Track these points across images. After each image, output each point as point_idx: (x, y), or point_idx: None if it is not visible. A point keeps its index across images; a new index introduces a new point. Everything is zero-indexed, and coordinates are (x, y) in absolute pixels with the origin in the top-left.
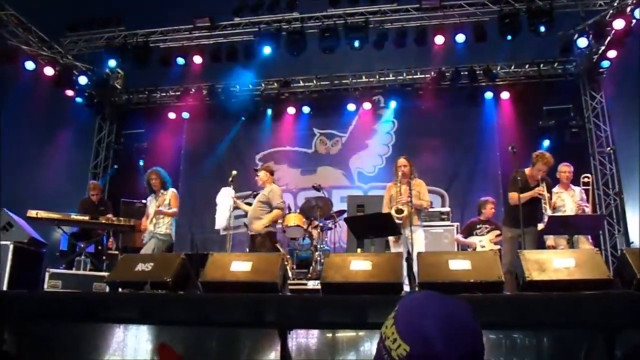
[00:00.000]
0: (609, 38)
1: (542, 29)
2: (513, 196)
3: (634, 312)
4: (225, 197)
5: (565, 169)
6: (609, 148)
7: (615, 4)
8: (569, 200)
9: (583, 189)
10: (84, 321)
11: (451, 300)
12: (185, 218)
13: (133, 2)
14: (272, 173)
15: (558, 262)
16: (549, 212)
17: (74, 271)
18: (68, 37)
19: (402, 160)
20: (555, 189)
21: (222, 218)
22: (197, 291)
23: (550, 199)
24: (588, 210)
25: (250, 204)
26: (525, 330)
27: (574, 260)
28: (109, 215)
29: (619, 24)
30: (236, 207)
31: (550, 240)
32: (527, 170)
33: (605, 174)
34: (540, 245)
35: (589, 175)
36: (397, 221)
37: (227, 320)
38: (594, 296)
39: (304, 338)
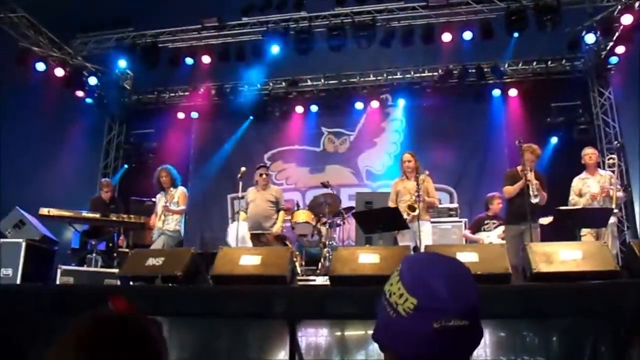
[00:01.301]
0: (617, 34)
1: (549, 25)
2: (507, 190)
3: None
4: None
5: (587, 152)
6: (616, 142)
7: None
8: (594, 186)
9: (611, 170)
10: None
11: (452, 259)
12: (194, 217)
13: (142, 3)
14: None
15: (565, 254)
16: (535, 200)
17: (85, 268)
18: (78, 38)
19: (406, 156)
20: (582, 175)
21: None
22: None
23: (541, 188)
24: (616, 193)
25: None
26: (533, 321)
27: (581, 253)
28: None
29: (627, 19)
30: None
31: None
32: (519, 167)
33: (614, 170)
34: (545, 240)
35: (613, 156)
36: (407, 217)
37: (236, 312)
38: (602, 286)
39: (313, 336)
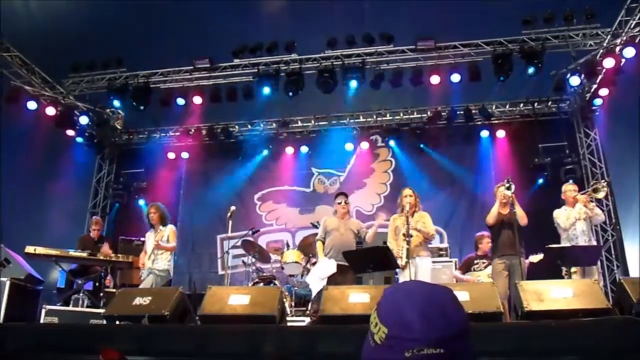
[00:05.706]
0: (600, 77)
1: (534, 69)
2: (488, 218)
3: (634, 338)
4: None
5: (568, 188)
6: (603, 181)
7: (605, 44)
8: (574, 213)
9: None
10: (81, 354)
11: (434, 287)
12: (183, 257)
13: (134, 44)
14: None
15: (556, 292)
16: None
17: (70, 308)
18: (70, 77)
19: (407, 191)
20: (564, 208)
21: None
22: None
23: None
24: (595, 208)
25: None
26: (526, 359)
27: (571, 291)
28: (105, 249)
29: (609, 62)
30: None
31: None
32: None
33: (602, 209)
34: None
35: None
36: (406, 246)
37: (225, 352)
38: (594, 322)
39: None
